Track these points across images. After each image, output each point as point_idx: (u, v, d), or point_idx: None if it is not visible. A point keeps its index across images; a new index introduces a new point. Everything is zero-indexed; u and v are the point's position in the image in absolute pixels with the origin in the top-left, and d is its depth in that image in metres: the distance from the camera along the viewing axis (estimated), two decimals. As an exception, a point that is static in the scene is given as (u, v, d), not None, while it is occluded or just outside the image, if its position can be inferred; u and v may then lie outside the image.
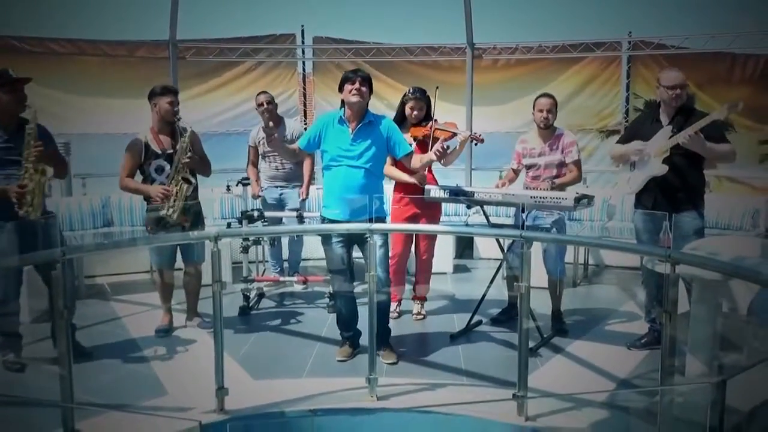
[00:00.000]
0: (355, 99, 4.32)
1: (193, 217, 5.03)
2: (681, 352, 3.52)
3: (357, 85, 4.31)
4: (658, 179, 4.42)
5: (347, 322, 4.61)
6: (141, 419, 3.58)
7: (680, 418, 3.07)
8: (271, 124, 4.63)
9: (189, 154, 4.88)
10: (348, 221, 4.35)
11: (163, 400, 3.89)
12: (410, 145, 4.69)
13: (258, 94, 6.14)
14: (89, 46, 8.12)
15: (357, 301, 4.58)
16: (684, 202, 4.43)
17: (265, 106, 5.99)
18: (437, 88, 5.13)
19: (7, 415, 3.62)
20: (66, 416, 3.23)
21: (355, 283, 4.60)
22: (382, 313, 4.55)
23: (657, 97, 4.60)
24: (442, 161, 4.61)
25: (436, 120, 5.13)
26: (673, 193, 4.44)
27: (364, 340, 4.41)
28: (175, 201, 4.83)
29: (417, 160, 4.54)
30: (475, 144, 5.11)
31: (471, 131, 5.23)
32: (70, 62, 7.97)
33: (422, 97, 5.18)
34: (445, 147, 4.28)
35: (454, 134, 5.10)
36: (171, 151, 4.94)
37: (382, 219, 4.52)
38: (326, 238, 4.54)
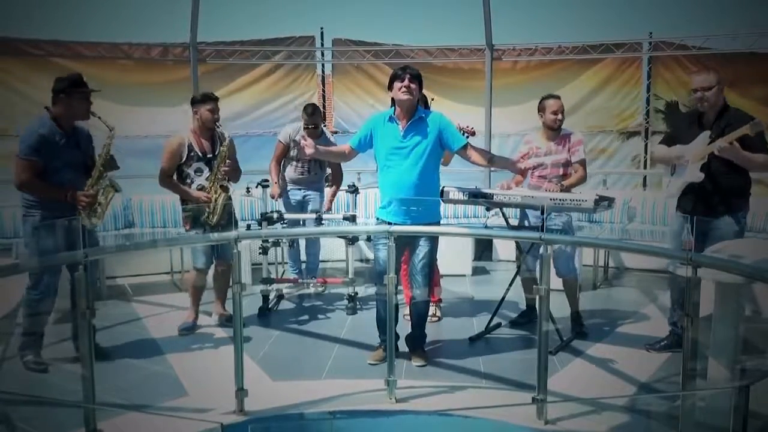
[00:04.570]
0: (405, 97, 4.31)
1: (228, 216, 5.12)
2: (703, 355, 3.49)
3: (406, 82, 4.30)
4: (696, 185, 4.33)
5: (386, 324, 4.57)
6: (161, 420, 3.61)
7: (702, 423, 3.05)
8: (303, 142, 4.52)
9: (228, 162, 5.05)
10: (402, 224, 4.34)
11: (183, 401, 3.92)
12: None
13: (303, 110, 6.00)
14: (110, 49, 8.18)
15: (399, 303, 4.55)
16: (722, 206, 4.32)
17: (310, 129, 5.85)
18: (432, 99, 5.16)
19: (30, 415, 3.66)
20: (88, 416, 3.26)
21: (398, 286, 4.51)
22: (422, 318, 4.62)
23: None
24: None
25: None
26: (711, 198, 4.34)
27: (400, 344, 4.48)
28: (214, 207, 5.00)
29: (482, 158, 4.50)
30: (467, 137, 5.11)
31: (464, 125, 5.21)
32: (91, 65, 8.03)
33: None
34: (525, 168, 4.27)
35: None
36: (210, 155, 5.10)
37: (436, 223, 4.52)
38: (375, 239, 4.57)
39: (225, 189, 5.08)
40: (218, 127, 5.13)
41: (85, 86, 4.43)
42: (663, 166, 4.72)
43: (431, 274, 4.64)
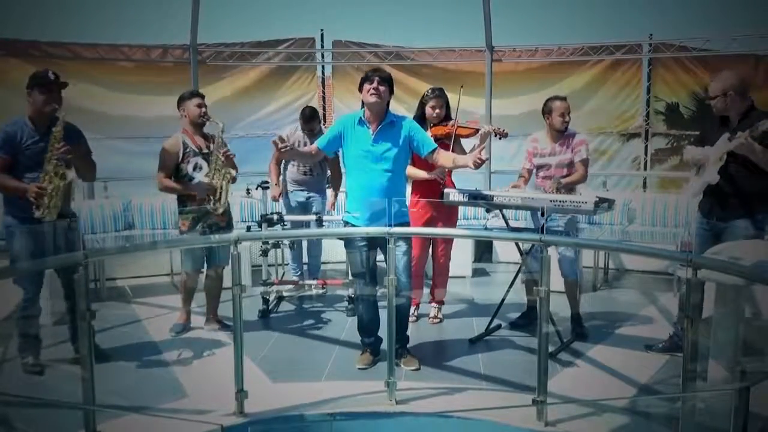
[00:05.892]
0: (373, 99, 4.28)
1: (228, 217, 5.17)
2: (703, 357, 3.48)
3: (375, 84, 4.27)
4: (713, 186, 4.31)
5: (368, 328, 4.57)
6: (161, 422, 3.61)
7: (702, 425, 3.04)
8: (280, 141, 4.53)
9: (227, 148, 5.03)
10: (368, 226, 4.32)
11: (183, 403, 3.92)
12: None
13: (302, 113, 6.07)
14: (109, 50, 8.18)
15: (379, 306, 4.51)
16: (738, 209, 4.28)
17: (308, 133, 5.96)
18: (462, 87, 5.14)
19: (30, 417, 3.66)
20: (87, 418, 3.26)
21: (377, 288, 4.53)
22: (403, 318, 4.57)
23: None
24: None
25: (458, 119, 5.14)
26: (726, 200, 4.31)
27: (385, 346, 4.42)
28: (220, 194, 5.01)
29: (449, 160, 4.46)
30: (499, 138, 5.09)
31: (493, 126, 5.20)
32: (89, 66, 8.03)
33: (442, 95, 5.20)
34: (484, 159, 4.20)
35: (477, 131, 5.10)
36: (206, 150, 5.07)
37: (404, 224, 4.44)
38: (349, 242, 4.52)
39: (232, 178, 5.08)
40: (209, 120, 5.08)
41: (47, 81, 4.32)
42: (691, 166, 4.69)
43: (411, 271, 4.63)
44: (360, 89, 4.38)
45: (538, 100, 5.34)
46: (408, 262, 4.47)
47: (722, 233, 4.31)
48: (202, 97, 5.16)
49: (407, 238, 4.48)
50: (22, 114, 4.37)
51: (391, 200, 4.18)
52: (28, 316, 4.40)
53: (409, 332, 4.72)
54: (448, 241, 5.44)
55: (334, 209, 6.24)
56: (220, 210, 5.01)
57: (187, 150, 5.03)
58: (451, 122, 5.13)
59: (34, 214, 4.18)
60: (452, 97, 5.24)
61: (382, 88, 4.29)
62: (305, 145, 6.00)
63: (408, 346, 4.64)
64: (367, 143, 4.35)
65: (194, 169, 5.05)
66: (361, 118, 4.40)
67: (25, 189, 4.20)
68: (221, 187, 5.02)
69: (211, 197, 5.00)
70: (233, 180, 5.11)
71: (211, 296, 5.37)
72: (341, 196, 6.30)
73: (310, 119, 5.98)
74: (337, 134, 4.46)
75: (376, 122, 4.36)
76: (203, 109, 5.06)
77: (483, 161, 4.19)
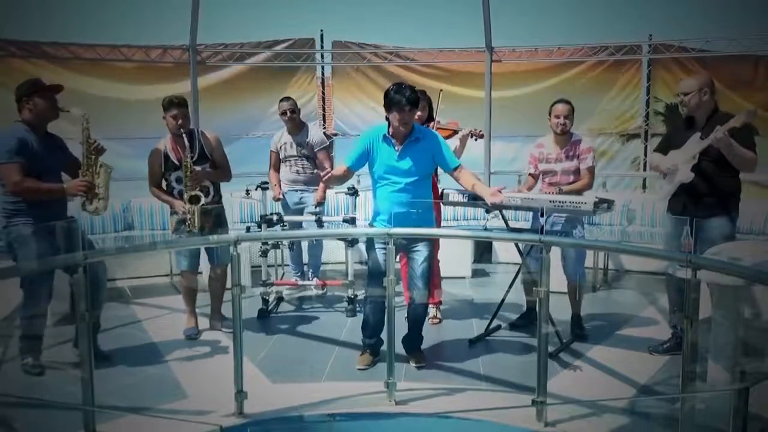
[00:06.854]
0: (404, 130, 4.30)
1: (215, 219, 5.07)
2: (703, 357, 3.48)
3: (406, 117, 4.24)
4: (686, 185, 4.35)
5: (372, 328, 4.56)
6: (161, 422, 3.61)
7: (702, 425, 3.04)
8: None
9: (193, 170, 4.85)
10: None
11: (182, 404, 3.92)
12: None
13: (281, 101, 6.17)
14: (109, 51, 8.17)
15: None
16: (713, 207, 4.34)
17: (288, 115, 6.02)
18: (441, 91, 5.17)
19: (29, 417, 3.66)
20: (87, 418, 3.26)
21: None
22: (419, 321, 4.63)
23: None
24: None
25: (438, 120, 5.17)
26: (701, 198, 4.36)
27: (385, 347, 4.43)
28: (191, 217, 4.85)
29: (469, 182, 4.43)
30: (476, 139, 5.11)
31: (470, 128, 5.24)
32: (89, 66, 8.02)
33: (423, 98, 5.20)
34: (501, 199, 4.32)
35: (455, 132, 5.12)
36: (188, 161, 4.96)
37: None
38: (370, 243, 4.53)
39: (195, 200, 4.83)
40: (183, 133, 4.88)
41: (45, 87, 4.37)
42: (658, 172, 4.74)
43: (431, 279, 4.64)
44: (387, 108, 4.30)
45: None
46: (427, 269, 4.48)
47: (697, 232, 4.32)
48: (180, 105, 4.92)
49: (430, 244, 4.48)
50: (18, 115, 4.36)
51: (416, 209, 4.28)
52: (31, 317, 4.39)
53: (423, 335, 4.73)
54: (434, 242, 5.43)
55: (323, 197, 6.19)
56: (195, 228, 4.82)
57: (169, 162, 4.97)
58: (432, 123, 5.16)
59: (85, 208, 4.30)
60: (443, 96, 5.28)
61: (413, 115, 4.32)
62: (291, 147, 6.07)
63: (421, 349, 4.67)
64: (392, 159, 4.35)
65: (176, 181, 5.00)
66: (385, 134, 4.39)
67: (62, 188, 4.26)
68: (189, 210, 4.84)
69: (188, 218, 4.86)
70: (198, 203, 4.84)
71: (214, 296, 5.37)
72: (338, 195, 6.31)
73: (284, 101, 6.11)
74: (364, 151, 4.44)
75: (401, 138, 4.36)
76: (179, 122, 4.87)
77: (500, 200, 4.30)
